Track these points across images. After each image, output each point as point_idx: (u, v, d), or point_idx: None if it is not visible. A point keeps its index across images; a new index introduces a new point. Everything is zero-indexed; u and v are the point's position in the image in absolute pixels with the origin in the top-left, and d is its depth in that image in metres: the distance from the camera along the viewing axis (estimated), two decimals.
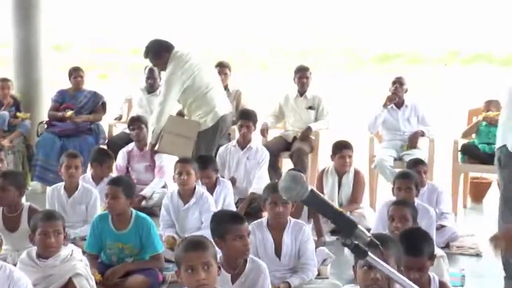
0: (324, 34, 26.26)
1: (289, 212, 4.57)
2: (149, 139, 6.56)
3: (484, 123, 6.92)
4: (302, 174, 1.99)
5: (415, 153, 6.85)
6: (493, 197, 7.39)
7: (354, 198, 6.29)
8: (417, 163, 5.72)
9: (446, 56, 26.01)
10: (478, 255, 5.55)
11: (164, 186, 6.86)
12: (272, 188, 4.44)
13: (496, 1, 25.74)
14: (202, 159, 5.97)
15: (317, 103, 7.51)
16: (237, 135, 7.05)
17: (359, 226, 1.85)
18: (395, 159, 6.94)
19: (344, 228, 1.86)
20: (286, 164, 7.42)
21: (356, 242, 1.84)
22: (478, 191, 7.33)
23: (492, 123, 6.88)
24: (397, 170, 6.84)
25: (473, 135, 7.07)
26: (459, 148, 6.88)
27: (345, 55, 25.10)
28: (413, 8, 26.46)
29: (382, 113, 7.09)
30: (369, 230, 5.99)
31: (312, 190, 1.86)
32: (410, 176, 5.10)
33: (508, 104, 4.49)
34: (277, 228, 4.53)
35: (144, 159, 6.95)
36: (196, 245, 3.09)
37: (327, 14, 26.62)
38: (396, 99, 7.08)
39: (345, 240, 1.87)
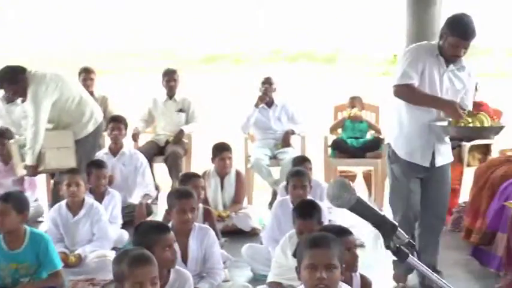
0: (142, 36, 26.11)
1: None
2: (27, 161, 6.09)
3: (348, 119, 7.27)
4: (350, 182, 1.98)
5: (288, 151, 7.04)
6: (358, 188, 7.78)
7: (237, 199, 6.34)
8: (303, 160, 5.86)
9: (270, 55, 26.87)
10: (362, 246, 5.77)
11: (36, 200, 6.53)
12: (179, 195, 4.37)
13: (316, 2, 27.02)
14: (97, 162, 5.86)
15: (187, 106, 7.48)
16: (106, 143, 6.84)
17: (399, 229, 1.87)
18: (270, 158, 7.08)
19: (386, 231, 1.86)
20: (161, 169, 7.31)
21: (398, 245, 1.84)
22: None
23: (356, 119, 7.25)
24: (273, 169, 7.05)
25: (340, 131, 7.39)
26: (329, 143, 7.16)
27: (166, 57, 25.09)
28: (235, 9, 27.01)
29: (254, 113, 7.20)
30: (254, 229, 6.12)
31: (358, 197, 1.87)
32: (304, 174, 5.21)
33: (394, 104, 4.73)
34: (182, 233, 4.44)
35: (10, 173, 6.54)
36: (144, 260, 2.97)
37: (146, 16, 26.48)
38: (267, 98, 7.22)
39: (389, 244, 1.86)
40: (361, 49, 25.62)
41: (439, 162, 4.63)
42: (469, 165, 6.52)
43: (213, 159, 6.31)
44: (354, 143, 7.13)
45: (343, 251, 3.04)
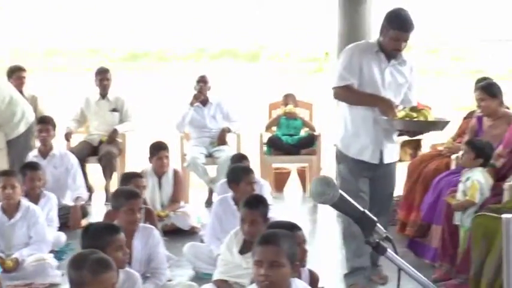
0: (70, 34, 25.66)
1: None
2: None
3: (284, 116, 7.35)
4: (332, 179, 2.00)
5: (224, 149, 7.04)
6: (292, 185, 7.88)
7: (176, 198, 6.29)
8: (242, 158, 5.88)
9: (194, 52, 26.84)
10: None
11: None
12: (128, 195, 4.32)
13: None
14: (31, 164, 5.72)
15: (120, 105, 7.38)
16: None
17: (377, 224, 1.91)
18: (206, 156, 7.07)
19: (367, 227, 1.90)
20: (95, 169, 7.19)
21: (377, 240, 1.88)
22: (279, 180, 7.72)
23: (291, 116, 7.33)
24: (209, 167, 7.03)
25: (274, 128, 7.46)
26: (265, 141, 7.21)
27: (91, 56, 24.68)
28: (159, 7, 26.82)
29: (190, 112, 7.17)
30: (193, 228, 6.11)
31: (340, 194, 1.89)
32: (252, 171, 5.19)
33: (340, 106, 4.77)
34: (126, 234, 4.38)
35: None
36: (107, 265, 2.91)
37: (70, 14, 26.00)
38: (202, 97, 7.21)
39: (369, 238, 1.90)
40: (286, 47, 25.87)
41: (387, 159, 4.64)
42: (400, 160, 6.69)
43: (150, 159, 6.24)
44: (289, 140, 7.22)
45: (295, 248, 3.06)
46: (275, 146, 7.23)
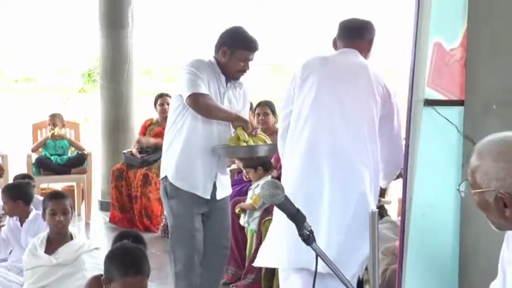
0: None
1: None
2: None
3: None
4: (278, 181, 2.21)
5: None
6: None
7: None
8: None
9: None
10: None
11: None
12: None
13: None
14: None
15: None
16: None
17: (306, 220, 2.19)
18: None
19: (300, 222, 2.17)
20: None
21: (307, 233, 2.16)
22: None
23: (58, 138, 7.38)
24: None
25: (41, 149, 7.45)
26: (33, 161, 7.18)
27: None
28: None
29: None
30: None
31: (285, 194, 2.16)
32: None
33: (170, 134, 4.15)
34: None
35: None
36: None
37: None
38: None
39: (302, 232, 2.17)
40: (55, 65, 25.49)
41: (220, 194, 4.12)
42: None
43: None
44: (58, 160, 7.27)
45: None
46: (44, 166, 7.23)
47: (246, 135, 3.88)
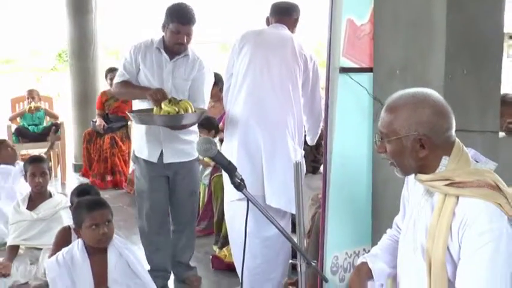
0: None
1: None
2: None
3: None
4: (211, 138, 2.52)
5: None
6: None
7: None
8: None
9: None
10: None
11: None
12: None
13: None
14: None
15: None
16: None
17: (237, 170, 2.43)
18: None
19: (232, 172, 2.41)
20: None
21: (239, 181, 2.40)
22: None
23: (35, 111, 7.79)
24: None
25: (18, 119, 7.89)
26: (13, 131, 7.64)
27: None
28: None
29: None
30: None
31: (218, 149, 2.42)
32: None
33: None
34: None
35: None
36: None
37: None
38: None
39: (234, 180, 2.40)
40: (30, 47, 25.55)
41: (168, 159, 4.30)
42: None
43: None
44: (35, 129, 7.75)
45: None
46: (23, 135, 7.69)
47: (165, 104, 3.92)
